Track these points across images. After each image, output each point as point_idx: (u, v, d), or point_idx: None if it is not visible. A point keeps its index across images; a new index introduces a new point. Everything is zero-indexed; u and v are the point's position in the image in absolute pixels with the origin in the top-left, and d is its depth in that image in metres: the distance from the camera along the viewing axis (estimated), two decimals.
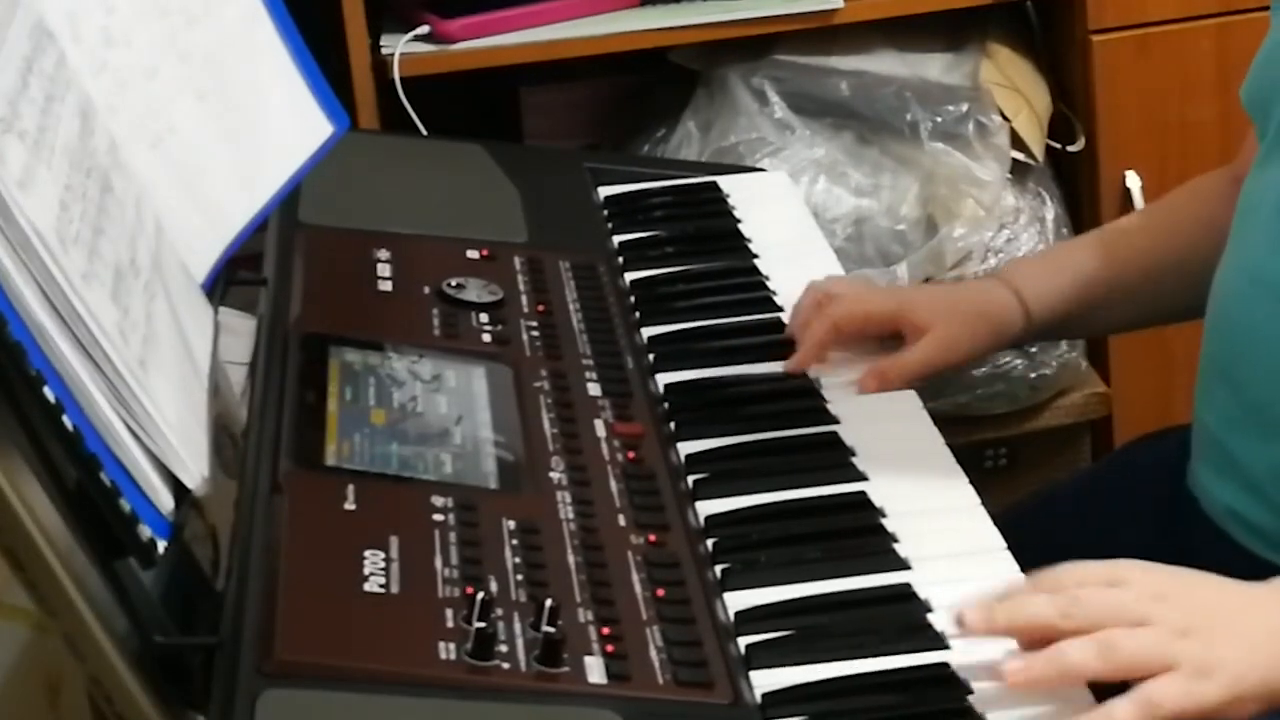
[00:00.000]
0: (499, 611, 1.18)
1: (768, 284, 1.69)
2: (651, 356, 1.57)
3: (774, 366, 1.56)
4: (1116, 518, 1.64)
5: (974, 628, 1.19)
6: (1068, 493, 1.75)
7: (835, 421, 1.48)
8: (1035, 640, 1.18)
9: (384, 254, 1.63)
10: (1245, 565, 1.42)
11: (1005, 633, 1.19)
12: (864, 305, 1.60)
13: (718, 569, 1.30)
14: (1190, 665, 1.16)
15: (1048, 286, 1.64)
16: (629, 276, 1.71)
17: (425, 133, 2.23)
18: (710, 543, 1.33)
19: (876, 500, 1.37)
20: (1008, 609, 1.19)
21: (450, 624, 1.16)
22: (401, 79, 2.21)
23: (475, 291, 1.59)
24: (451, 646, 1.15)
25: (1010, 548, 1.33)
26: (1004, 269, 1.73)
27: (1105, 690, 1.18)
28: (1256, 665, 1.18)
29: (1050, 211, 2.32)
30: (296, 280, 1.56)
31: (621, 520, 1.31)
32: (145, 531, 1.10)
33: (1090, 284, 1.65)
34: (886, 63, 2.35)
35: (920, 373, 1.57)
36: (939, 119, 2.26)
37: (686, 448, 1.44)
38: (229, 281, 1.46)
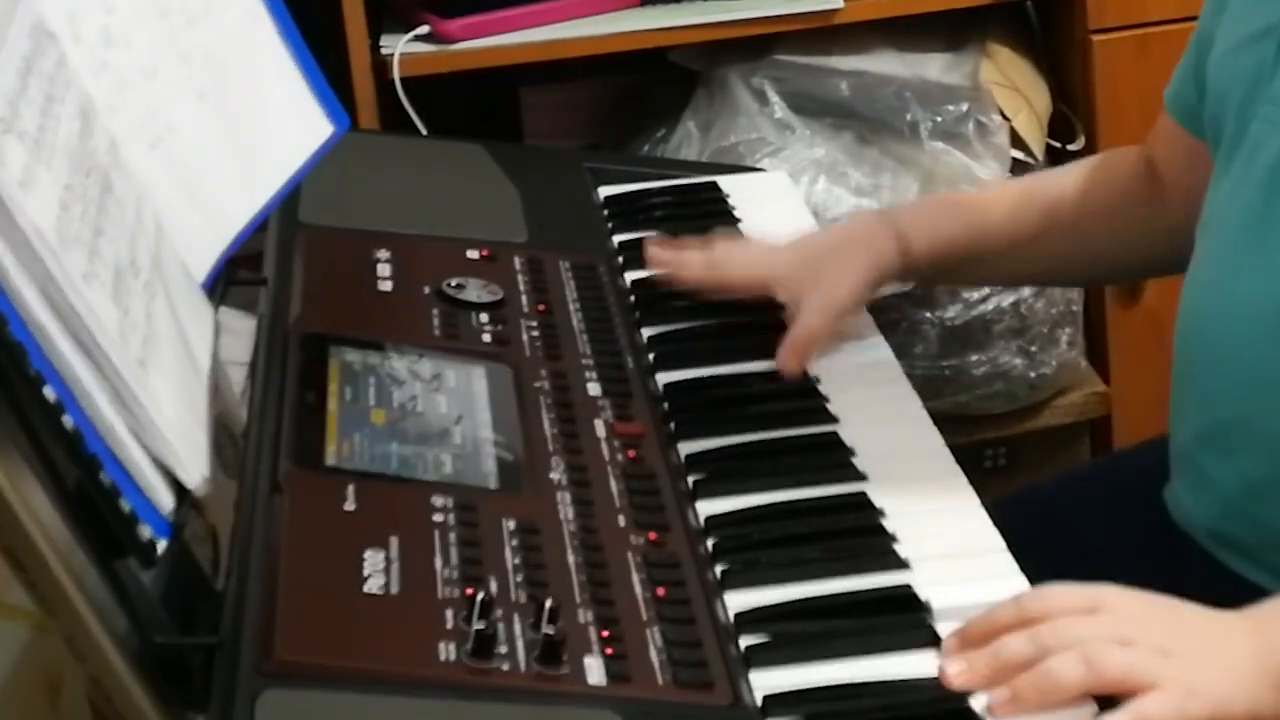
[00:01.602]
0: (499, 612, 1.18)
1: None
2: (651, 356, 1.57)
3: (773, 366, 1.56)
4: (1103, 530, 1.63)
5: (958, 683, 1.17)
6: (1054, 498, 1.73)
7: (835, 421, 1.48)
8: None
9: (384, 254, 1.63)
10: (1227, 582, 1.42)
11: (989, 684, 1.17)
12: (730, 279, 1.63)
13: (718, 569, 1.30)
14: (1176, 684, 1.15)
15: (931, 225, 1.65)
16: (629, 276, 1.71)
17: (425, 133, 2.23)
18: (710, 543, 1.33)
19: (876, 500, 1.37)
20: (988, 658, 1.18)
21: (450, 624, 1.16)
22: (401, 79, 2.21)
23: (475, 291, 1.59)
24: (451, 647, 1.15)
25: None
26: (892, 209, 1.74)
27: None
28: (1240, 690, 1.16)
29: None
30: (296, 280, 1.56)
31: (621, 520, 1.31)
32: (145, 531, 1.10)
33: (982, 231, 1.66)
34: (886, 63, 2.35)
35: (824, 330, 1.57)
36: (939, 119, 2.26)
37: (686, 448, 1.44)
38: (229, 281, 1.45)
